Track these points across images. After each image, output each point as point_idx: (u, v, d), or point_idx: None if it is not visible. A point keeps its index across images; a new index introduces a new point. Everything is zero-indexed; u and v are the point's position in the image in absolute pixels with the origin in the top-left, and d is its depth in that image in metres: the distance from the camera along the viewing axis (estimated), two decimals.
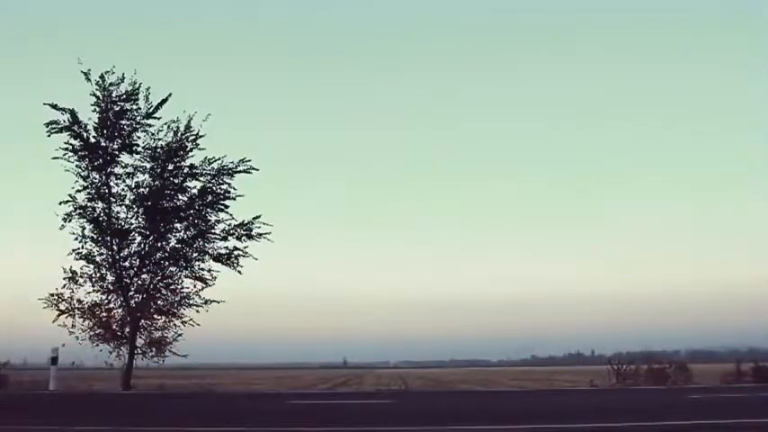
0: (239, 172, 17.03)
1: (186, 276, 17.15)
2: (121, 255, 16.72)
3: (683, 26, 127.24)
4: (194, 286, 17.09)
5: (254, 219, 17.10)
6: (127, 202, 16.76)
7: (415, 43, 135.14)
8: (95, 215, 16.53)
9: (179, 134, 16.74)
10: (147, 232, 16.81)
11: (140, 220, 16.82)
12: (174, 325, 17.05)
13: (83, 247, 16.56)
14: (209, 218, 17.10)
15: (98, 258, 16.67)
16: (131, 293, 16.83)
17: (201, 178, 17.00)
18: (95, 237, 16.60)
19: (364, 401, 11.78)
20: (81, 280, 16.61)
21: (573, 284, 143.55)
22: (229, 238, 17.10)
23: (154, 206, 16.61)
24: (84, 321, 16.37)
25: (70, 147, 16.32)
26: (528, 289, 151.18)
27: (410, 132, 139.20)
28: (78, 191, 16.45)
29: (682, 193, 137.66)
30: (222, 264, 17.06)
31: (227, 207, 17.10)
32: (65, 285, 16.46)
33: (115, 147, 16.52)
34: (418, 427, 7.39)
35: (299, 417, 8.51)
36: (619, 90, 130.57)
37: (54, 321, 16.06)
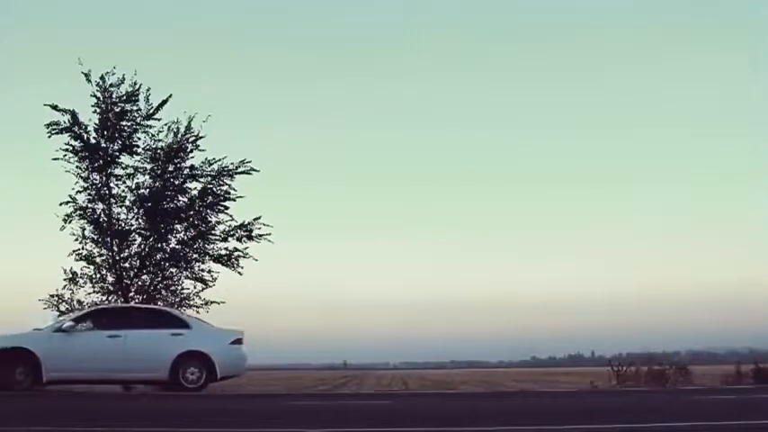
0: (239, 173, 17.13)
1: (186, 277, 17.26)
2: (122, 256, 16.79)
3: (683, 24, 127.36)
4: (194, 287, 17.18)
5: (254, 220, 17.17)
6: (127, 203, 16.87)
7: (419, 42, 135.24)
8: (96, 216, 16.60)
9: (179, 135, 16.82)
10: (148, 233, 16.88)
11: (140, 221, 16.91)
12: None
13: (83, 248, 16.65)
14: (209, 219, 17.19)
15: (98, 259, 16.77)
16: (132, 294, 16.89)
17: (202, 179, 17.10)
18: (96, 238, 16.68)
19: (364, 402, 11.78)
20: (81, 281, 16.69)
21: (573, 285, 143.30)
22: (229, 239, 17.17)
23: (154, 207, 16.68)
24: None
25: (71, 148, 16.40)
26: (528, 289, 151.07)
27: (411, 133, 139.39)
28: (78, 192, 16.55)
29: (681, 193, 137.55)
30: (222, 265, 17.14)
31: (227, 208, 17.18)
32: (65, 286, 16.55)
33: (115, 148, 16.62)
34: (418, 428, 7.38)
35: (299, 417, 8.51)
36: (616, 91, 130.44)
37: None
